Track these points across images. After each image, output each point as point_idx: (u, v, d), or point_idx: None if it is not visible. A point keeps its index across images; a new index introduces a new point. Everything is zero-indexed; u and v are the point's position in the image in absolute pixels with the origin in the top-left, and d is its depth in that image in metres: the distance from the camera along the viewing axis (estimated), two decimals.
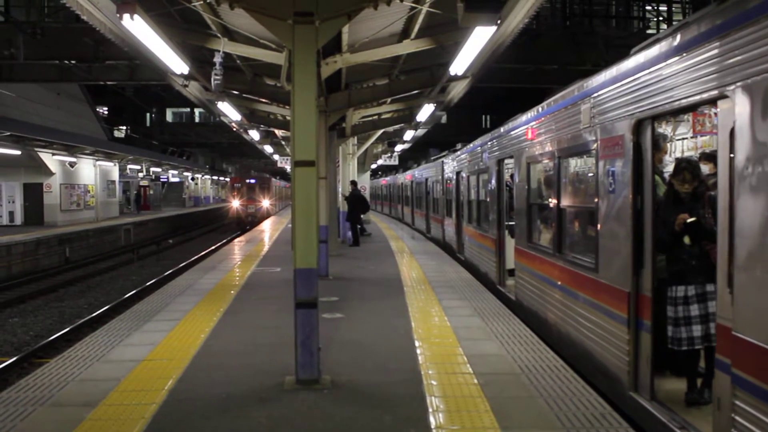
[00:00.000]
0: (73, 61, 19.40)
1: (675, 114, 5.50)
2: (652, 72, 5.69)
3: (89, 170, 35.27)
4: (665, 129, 7.80)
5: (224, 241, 33.25)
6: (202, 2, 9.05)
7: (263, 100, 17.06)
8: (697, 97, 4.92)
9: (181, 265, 24.00)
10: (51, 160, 30.21)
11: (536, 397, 5.97)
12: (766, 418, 4.02)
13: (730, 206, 4.44)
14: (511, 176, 11.92)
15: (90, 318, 14.97)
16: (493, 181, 12.87)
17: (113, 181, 40.37)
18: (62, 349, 10.98)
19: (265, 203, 46.49)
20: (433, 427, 5.30)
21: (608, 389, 6.63)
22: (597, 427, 5.23)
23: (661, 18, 25.50)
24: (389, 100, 18.07)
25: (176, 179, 60.67)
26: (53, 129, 30.34)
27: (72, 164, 32.29)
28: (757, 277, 4.16)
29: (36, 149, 28.45)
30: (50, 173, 30.69)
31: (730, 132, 4.47)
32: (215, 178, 77.45)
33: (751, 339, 4.17)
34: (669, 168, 5.64)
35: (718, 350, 4.66)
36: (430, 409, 5.68)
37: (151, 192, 55.22)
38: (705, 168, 5.29)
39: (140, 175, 48.74)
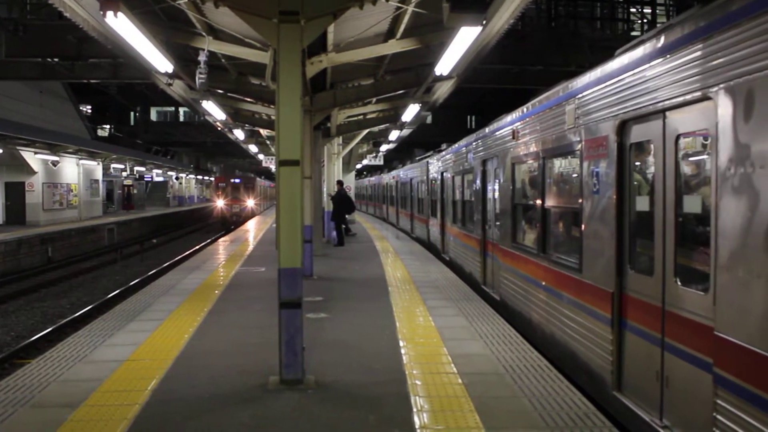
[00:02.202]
0: (55, 59, 19.23)
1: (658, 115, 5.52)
2: (637, 73, 5.73)
3: (72, 169, 34.98)
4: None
5: (208, 240, 33.11)
6: (186, 0, 9.01)
7: (248, 100, 17.01)
8: (681, 99, 4.95)
9: (165, 264, 23.89)
10: (33, 158, 29.94)
11: (520, 396, 5.99)
12: (747, 416, 4.05)
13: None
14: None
15: (72, 318, 14.86)
16: (478, 182, 12.90)
17: (96, 180, 40.04)
18: (44, 349, 10.90)
19: (250, 203, 46.40)
20: (417, 427, 5.30)
21: (592, 389, 6.66)
22: (581, 426, 5.25)
23: (645, 20, 25.65)
24: (374, 100, 18.07)
25: (160, 179, 60.33)
26: (35, 127, 30.05)
27: (55, 163, 32.01)
28: (739, 278, 4.19)
29: (18, 148, 28.17)
30: (32, 172, 30.42)
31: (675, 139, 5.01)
32: (200, 177, 77.10)
33: (734, 339, 4.21)
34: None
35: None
36: (415, 409, 5.68)
37: (135, 191, 54.88)
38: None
39: (124, 174, 48.39)
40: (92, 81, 23.51)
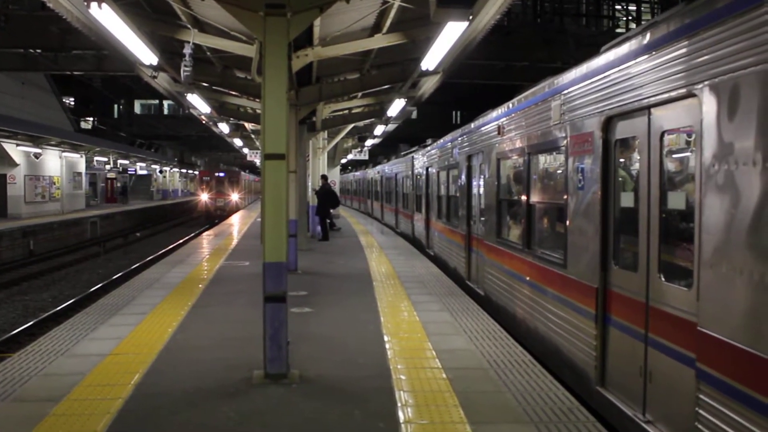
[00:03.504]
0: (38, 50, 19.07)
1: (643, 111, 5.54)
2: (622, 70, 5.75)
3: (55, 162, 34.70)
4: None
5: (192, 234, 32.96)
6: None
7: (233, 93, 16.94)
8: (666, 95, 4.98)
9: (149, 258, 23.76)
10: (15, 150, 29.64)
11: (504, 391, 6.01)
12: (729, 411, 4.09)
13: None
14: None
15: (54, 312, 14.75)
16: (463, 177, 12.92)
17: (79, 173, 39.77)
18: (25, 343, 10.80)
19: (234, 197, 46.27)
20: (402, 421, 5.30)
21: (576, 384, 6.70)
22: (564, 421, 5.27)
23: (630, 17, 25.81)
24: (360, 94, 18.06)
25: (144, 172, 59.96)
26: (17, 119, 29.77)
27: (37, 155, 31.72)
28: (722, 274, 4.22)
29: None
30: (14, 164, 30.13)
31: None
32: (184, 171, 76.69)
33: (717, 334, 4.24)
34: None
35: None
36: (399, 404, 5.68)
37: (119, 184, 54.53)
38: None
39: (107, 167, 48.05)
40: (76, 73, 23.35)
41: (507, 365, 6.81)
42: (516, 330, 8.86)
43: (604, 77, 6.13)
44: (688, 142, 5.04)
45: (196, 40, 11.08)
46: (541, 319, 7.86)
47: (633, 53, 5.57)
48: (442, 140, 16.29)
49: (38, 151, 31.58)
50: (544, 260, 7.88)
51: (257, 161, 40.49)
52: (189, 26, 11.02)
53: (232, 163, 78.48)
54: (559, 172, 7.76)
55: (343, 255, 16.68)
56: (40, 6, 16.55)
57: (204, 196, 45.57)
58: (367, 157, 40.25)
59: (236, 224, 29.19)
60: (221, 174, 48.18)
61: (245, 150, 39.87)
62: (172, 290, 11.31)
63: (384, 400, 5.80)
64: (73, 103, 56.03)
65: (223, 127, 25.59)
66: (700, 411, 4.37)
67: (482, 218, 11.45)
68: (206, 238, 22.47)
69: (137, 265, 22.17)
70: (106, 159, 45.06)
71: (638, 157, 5.64)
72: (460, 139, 13.47)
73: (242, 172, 55.49)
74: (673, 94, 4.87)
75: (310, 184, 21.87)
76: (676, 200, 5.17)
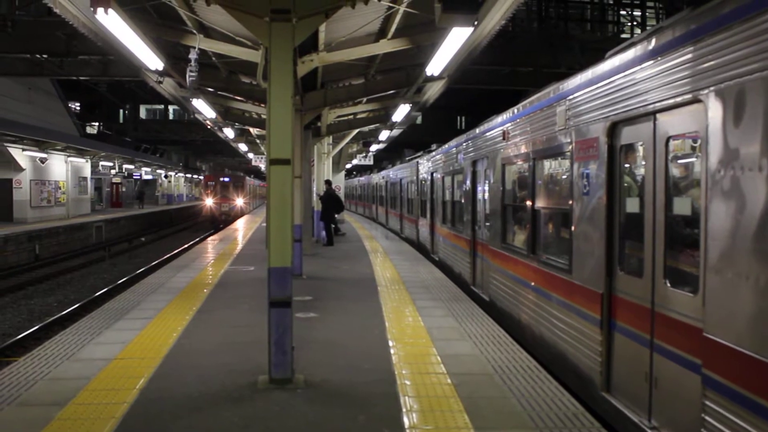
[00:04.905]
0: (44, 56, 19.13)
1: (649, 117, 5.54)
2: (627, 75, 5.75)
3: (60, 166, 34.81)
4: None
5: (197, 239, 32.99)
6: None
7: (238, 98, 16.96)
8: (671, 101, 4.97)
9: (154, 263, 23.78)
10: (21, 155, 29.75)
11: (509, 397, 6.00)
12: (735, 417, 4.07)
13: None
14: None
15: (60, 316, 14.77)
16: (468, 182, 12.92)
17: (85, 178, 39.88)
18: (31, 347, 10.83)
19: (239, 201, 46.32)
20: (406, 426, 5.30)
21: (581, 390, 6.68)
22: (569, 427, 5.26)
23: (635, 23, 25.80)
24: (365, 99, 18.05)
25: (149, 177, 60.09)
26: (23, 124, 29.86)
27: (43, 160, 31.82)
28: (728, 279, 4.21)
29: (5, 144, 27.99)
30: (20, 169, 30.22)
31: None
32: (189, 175, 76.83)
33: (723, 340, 4.23)
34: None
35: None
36: (404, 409, 5.68)
37: (124, 189, 54.62)
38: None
39: (113, 172, 48.17)
40: (81, 78, 23.41)
41: (512, 371, 6.80)
42: (521, 335, 8.85)
43: (610, 83, 6.13)
44: (693, 148, 5.04)
45: (202, 45, 11.12)
46: (546, 324, 7.84)
47: (638, 59, 5.57)
48: (446, 145, 16.29)
49: (44, 155, 31.69)
50: (549, 265, 7.87)
51: (262, 166, 40.54)
52: (194, 32, 11.06)
53: (236, 168, 78.62)
54: (564, 177, 7.75)
55: (348, 260, 16.68)
56: (46, 11, 16.61)
57: (209, 201, 45.65)
58: (371, 162, 40.27)
59: (241, 229, 29.21)
60: (226, 179, 48.27)
61: (250, 155, 39.93)
62: (177, 295, 11.32)
63: (389, 405, 5.79)
64: (78, 108, 56.22)
65: (228, 132, 25.64)
66: (706, 417, 4.35)
67: (487, 223, 11.44)
68: (211, 242, 22.49)
69: (142, 269, 22.20)
70: (111, 164, 45.17)
71: (643, 163, 5.64)
72: (465, 144, 13.47)
73: (247, 177, 55.57)
74: (679, 99, 4.87)
75: (315, 189, 21.88)
76: (681, 206, 5.16)
